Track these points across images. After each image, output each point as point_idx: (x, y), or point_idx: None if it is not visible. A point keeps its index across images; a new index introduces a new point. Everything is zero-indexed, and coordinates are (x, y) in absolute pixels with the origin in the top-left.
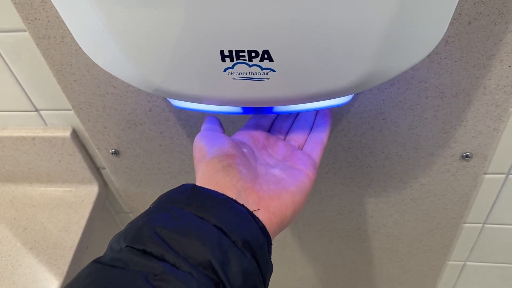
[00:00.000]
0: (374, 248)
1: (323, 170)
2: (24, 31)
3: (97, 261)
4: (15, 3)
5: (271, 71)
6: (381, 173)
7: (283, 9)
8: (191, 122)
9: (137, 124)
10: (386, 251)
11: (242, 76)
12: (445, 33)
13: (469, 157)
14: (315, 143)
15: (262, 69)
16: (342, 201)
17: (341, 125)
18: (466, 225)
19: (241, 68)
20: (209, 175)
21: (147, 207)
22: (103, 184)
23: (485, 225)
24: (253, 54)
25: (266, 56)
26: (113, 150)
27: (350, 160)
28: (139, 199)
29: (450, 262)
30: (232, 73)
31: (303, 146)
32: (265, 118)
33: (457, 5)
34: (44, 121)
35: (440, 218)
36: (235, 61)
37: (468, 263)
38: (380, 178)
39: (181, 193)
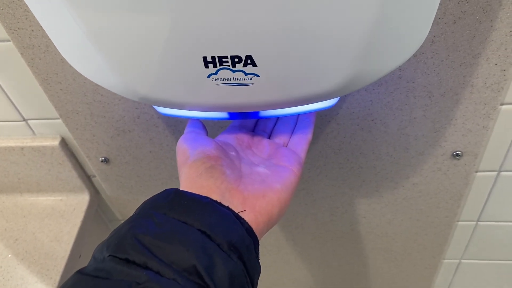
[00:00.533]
0: (368, 249)
1: (315, 172)
2: (8, 41)
3: (80, 272)
4: None
5: (255, 76)
6: (373, 173)
7: (265, 14)
8: (180, 127)
9: (126, 131)
10: (380, 252)
11: (226, 81)
12: (431, 32)
13: (459, 155)
14: (299, 138)
15: (246, 74)
16: (335, 202)
17: (331, 127)
18: (459, 223)
19: (224, 74)
20: (192, 178)
21: None
22: (94, 192)
23: (479, 222)
24: (236, 60)
25: (249, 61)
26: (103, 158)
27: (341, 162)
28: (131, 206)
29: (445, 261)
30: (216, 79)
31: (287, 143)
32: None
33: (441, 4)
34: (33, 131)
35: (433, 217)
36: (219, 67)
37: (463, 261)
38: (372, 178)
39: (164, 198)
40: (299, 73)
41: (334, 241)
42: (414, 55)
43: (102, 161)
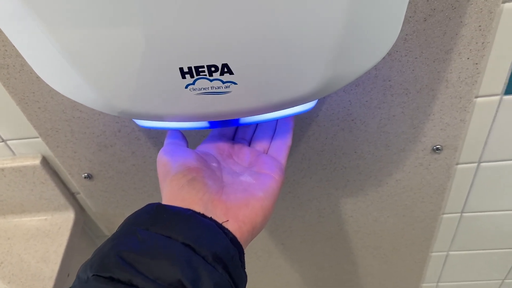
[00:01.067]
0: (357, 247)
1: (299, 175)
2: None
3: None
4: None
5: (233, 84)
6: (356, 172)
7: (238, 22)
8: (162, 139)
9: (107, 146)
10: (369, 249)
11: (205, 91)
12: (403, 31)
13: (439, 149)
14: (280, 144)
15: (224, 82)
16: (321, 203)
17: (312, 129)
18: (445, 216)
19: (202, 83)
20: (174, 191)
21: None
22: (80, 209)
23: (463, 214)
24: (213, 69)
25: (226, 70)
26: (86, 174)
27: (325, 163)
28: (117, 221)
29: (433, 254)
30: (194, 89)
31: (268, 150)
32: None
33: (411, 3)
34: (12, 151)
35: (418, 212)
36: (196, 77)
37: (451, 252)
38: (356, 177)
39: (146, 213)
40: (276, 78)
41: (323, 242)
42: (389, 54)
43: (85, 177)
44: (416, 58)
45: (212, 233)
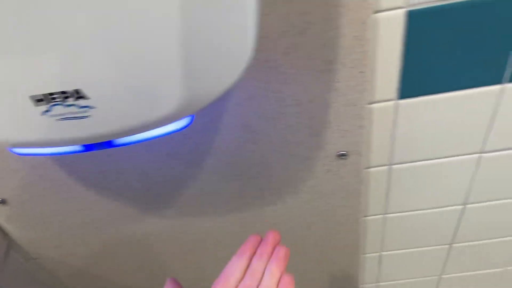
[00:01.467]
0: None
1: (215, 187)
2: None
3: None
4: None
5: (91, 108)
6: (268, 181)
7: (84, 47)
8: (67, 160)
9: (14, 170)
10: (300, 256)
11: (63, 117)
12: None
13: (345, 155)
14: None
15: (81, 107)
16: (242, 213)
17: (217, 142)
18: (368, 218)
19: (58, 109)
20: None
21: (51, 251)
22: (2, 234)
23: (386, 215)
24: (66, 95)
25: (80, 95)
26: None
27: (237, 174)
28: (41, 243)
29: (367, 255)
30: (53, 115)
31: None
32: None
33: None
34: None
35: (339, 216)
36: (51, 104)
37: (383, 253)
38: (270, 186)
39: None
40: (132, 102)
41: None
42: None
43: None
44: (300, 70)
45: None
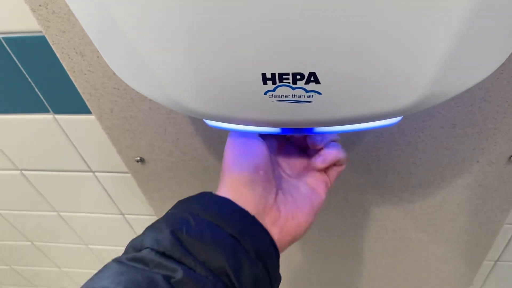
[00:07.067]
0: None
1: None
2: None
3: (116, 260)
4: None
5: (317, 94)
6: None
7: (331, 28)
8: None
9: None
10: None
11: (285, 98)
12: None
13: None
14: (333, 165)
15: (307, 91)
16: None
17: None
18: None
19: (283, 91)
20: (234, 185)
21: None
22: None
23: None
24: (298, 77)
25: (312, 79)
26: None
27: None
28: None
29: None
30: (274, 96)
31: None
32: None
33: None
34: None
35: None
36: (278, 84)
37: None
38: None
39: (199, 200)
40: (366, 91)
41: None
42: None
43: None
44: None
45: (257, 231)
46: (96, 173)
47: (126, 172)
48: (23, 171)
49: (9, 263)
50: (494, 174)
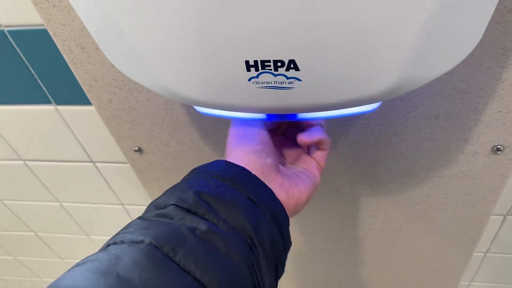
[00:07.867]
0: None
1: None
2: None
3: (140, 218)
4: None
5: (297, 80)
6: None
7: (308, 18)
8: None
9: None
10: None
11: (267, 85)
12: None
13: (500, 150)
14: (318, 149)
15: (288, 78)
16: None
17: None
18: (492, 217)
19: (266, 77)
20: (243, 154)
21: None
22: None
23: (507, 216)
24: (279, 64)
25: (292, 66)
26: (137, 148)
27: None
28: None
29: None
30: (257, 82)
31: (308, 150)
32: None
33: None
34: None
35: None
36: (260, 71)
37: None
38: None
39: (216, 166)
40: (344, 77)
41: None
42: None
43: (135, 150)
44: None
45: (270, 195)
46: (97, 164)
47: (125, 163)
48: (26, 162)
49: (13, 254)
50: (478, 164)
